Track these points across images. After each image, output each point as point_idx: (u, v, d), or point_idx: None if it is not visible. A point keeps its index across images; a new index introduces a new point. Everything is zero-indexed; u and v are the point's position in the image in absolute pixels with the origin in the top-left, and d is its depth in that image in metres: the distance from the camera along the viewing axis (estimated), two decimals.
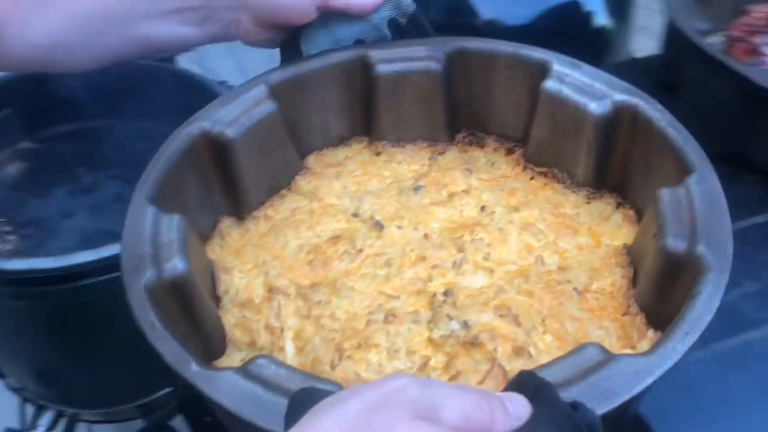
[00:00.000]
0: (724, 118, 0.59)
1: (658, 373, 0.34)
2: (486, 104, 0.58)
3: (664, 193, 0.43)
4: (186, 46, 0.59)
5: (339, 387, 0.35)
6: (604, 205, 0.53)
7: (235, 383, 0.36)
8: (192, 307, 0.44)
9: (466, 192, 0.55)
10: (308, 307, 0.48)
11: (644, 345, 0.43)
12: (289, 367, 0.37)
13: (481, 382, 0.42)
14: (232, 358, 0.46)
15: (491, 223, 0.52)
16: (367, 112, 0.59)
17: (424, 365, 0.43)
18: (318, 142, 0.60)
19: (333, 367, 0.44)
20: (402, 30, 0.58)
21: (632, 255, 0.48)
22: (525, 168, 0.57)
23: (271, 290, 0.49)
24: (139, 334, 0.39)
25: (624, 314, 0.45)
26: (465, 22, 0.84)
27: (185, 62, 0.92)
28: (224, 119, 0.52)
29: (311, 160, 0.60)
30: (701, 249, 0.40)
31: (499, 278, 0.48)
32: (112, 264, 0.61)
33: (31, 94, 0.82)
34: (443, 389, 0.28)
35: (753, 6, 0.74)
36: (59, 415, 0.84)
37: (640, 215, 0.51)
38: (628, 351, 0.43)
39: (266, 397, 0.35)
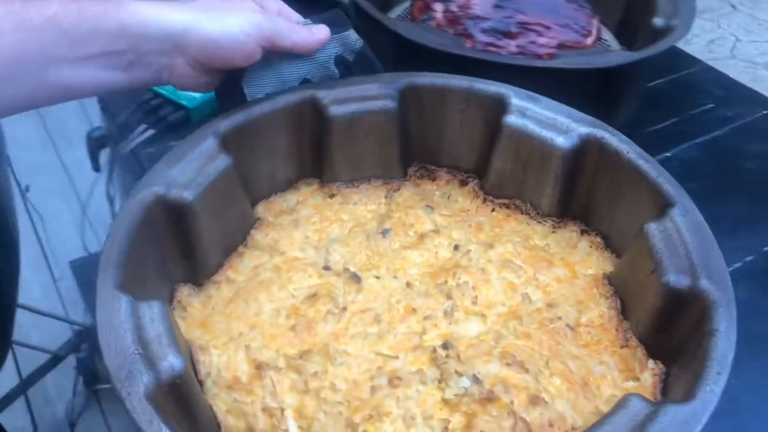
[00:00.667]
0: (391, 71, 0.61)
1: (705, 418, 0.35)
2: (439, 138, 0.57)
3: (653, 228, 0.45)
4: (111, 91, 0.53)
5: None
6: (570, 233, 0.54)
7: None
8: (189, 404, 0.39)
9: (435, 232, 0.54)
10: (304, 380, 0.44)
11: (647, 377, 0.44)
12: None
13: None
14: None
15: (470, 264, 0.51)
16: (317, 154, 0.56)
17: (445, 430, 0.42)
18: (265, 189, 0.56)
19: None
20: (349, 66, 0.55)
21: (616, 286, 0.49)
22: (485, 200, 0.57)
23: (258, 366, 0.45)
24: None
25: (622, 347, 0.46)
26: None
27: None
28: (179, 181, 0.47)
29: (261, 209, 0.56)
30: (704, 284, 0.41)
31: (493, 323, 0.48)
32: None
33: None
34: None
35: None
36: None
37: (606, 241, 0.53)
38: (632, 383, 0.45)
39: None
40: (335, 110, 0.54)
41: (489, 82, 0.55)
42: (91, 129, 0.80)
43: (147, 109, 0.72)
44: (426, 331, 0.47)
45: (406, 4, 0.85)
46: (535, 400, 0.43)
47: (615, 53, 0.74)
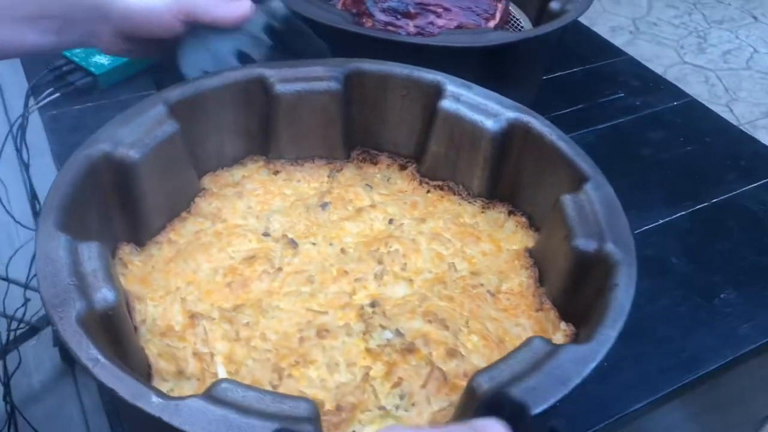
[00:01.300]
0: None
1: (600, 357, 0.38)
2: (380, 123, 0.61)
3: (567, 200, 0.48)
4: (41, 53, 0.56)
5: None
6: (497, 213, 0.58)
7: (206, 411, 0.34)
8: (121, 339, 0.41)
9: (372, 207, 0.57)
10: (235, 330, 0.46)
11: (559, 336, 0.47)
12: (254, 388, 0.36)
13: (424, 385, 0.43)
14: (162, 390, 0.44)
15: (402, 235, 0.54)
16: (264, 132, 0.59)
17: (366, 376, 0.44)
18: (212, 163, 0.59)
19: (274, 387, 0.43)
20: (280, 34, 0.59)
21: (536, 257, 0.52)
22: (421, 183, 0.60)
23: (192, 316, 0.47)
24: None
25: (537, 310, 0.49)
26: None
27: None
28: (126, 140, 0.49)
29: (207, 180, 0.58)
30: (610, 246, 0.45)
31: (419, 286, 0.51)
32: None
33: None
34: None
35: None
36: None
37: (531, 221, 0.56)
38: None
39: (241, 421, 0.34)
40: (281, 88, 0.57)
41: (428, 71, 0.58)
42: None
43: (58, 74, 0.76)
44: (356, 291, 0.50)
45: None
46: (452, 353, 0.45)
47: (495, 33, 0.72)
